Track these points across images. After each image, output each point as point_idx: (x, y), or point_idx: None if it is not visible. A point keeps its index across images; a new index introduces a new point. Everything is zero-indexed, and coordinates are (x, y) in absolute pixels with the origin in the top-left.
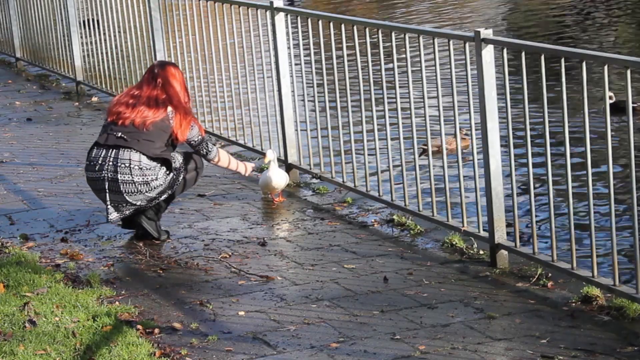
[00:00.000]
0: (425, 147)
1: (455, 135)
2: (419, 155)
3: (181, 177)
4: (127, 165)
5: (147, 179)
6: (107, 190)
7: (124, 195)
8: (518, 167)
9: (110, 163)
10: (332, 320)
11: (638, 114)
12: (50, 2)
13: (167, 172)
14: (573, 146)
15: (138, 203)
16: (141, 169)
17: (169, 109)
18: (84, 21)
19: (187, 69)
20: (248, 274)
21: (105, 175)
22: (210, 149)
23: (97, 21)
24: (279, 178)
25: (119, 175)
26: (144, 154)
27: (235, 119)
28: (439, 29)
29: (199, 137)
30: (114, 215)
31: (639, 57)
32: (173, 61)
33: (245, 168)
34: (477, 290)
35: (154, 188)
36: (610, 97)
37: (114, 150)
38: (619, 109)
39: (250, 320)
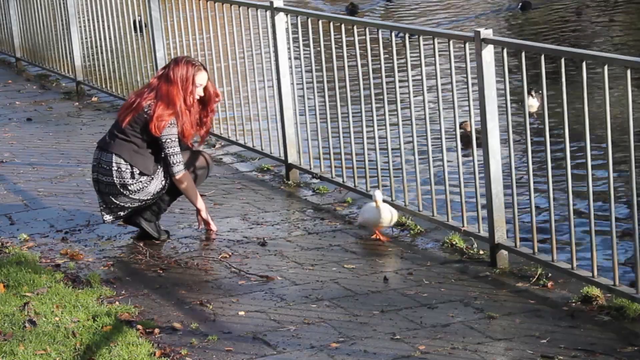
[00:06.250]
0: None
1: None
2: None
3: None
4: (107, 167)
5: (125, 181)
6: (98, 192)
7: (110, 196)
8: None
9: (97, 164)
10: (332, 320)
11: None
12: (51, 2)
13: (151, 178)
14: (574, 145)
15: (127, 205)
16: (118, 171)
17: (150, 100)
18: (133, 21)
19: None
20: (248, 274)
21: (95, 176)
22: (177, 162)
23: (144, 23)
24: (387, 214)
25: (102, 177)
26: (119, 156)
27: (235, 119)
28: (439, 29)
29: (172, 139)
30: (107, 217)
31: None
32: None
33: (204, 208)
34: (477, 290)
35: (135, 191)
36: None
37: (99, 151)
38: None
39: (250, 320)
